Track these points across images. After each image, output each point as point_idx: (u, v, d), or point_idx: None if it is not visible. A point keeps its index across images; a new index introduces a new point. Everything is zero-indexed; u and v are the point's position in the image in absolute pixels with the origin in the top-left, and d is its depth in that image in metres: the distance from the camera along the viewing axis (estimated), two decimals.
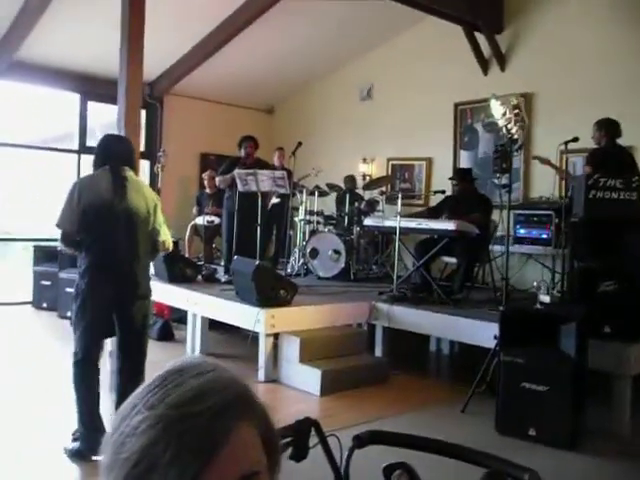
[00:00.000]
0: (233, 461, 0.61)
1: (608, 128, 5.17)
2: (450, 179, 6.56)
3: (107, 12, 6.25)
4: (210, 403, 0.61)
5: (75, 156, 8.61)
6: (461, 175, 6.43)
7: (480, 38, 7.63)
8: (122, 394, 3.25)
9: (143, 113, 8.86)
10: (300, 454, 1.33)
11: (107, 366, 4.23)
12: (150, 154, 8.83)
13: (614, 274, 4.19)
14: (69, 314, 6.94)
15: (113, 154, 3.42)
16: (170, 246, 3.71)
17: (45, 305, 7.76)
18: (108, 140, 3.56)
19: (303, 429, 1.33)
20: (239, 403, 0.64)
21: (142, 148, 8.63)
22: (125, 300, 3.38)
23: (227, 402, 0.63)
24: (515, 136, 4.97)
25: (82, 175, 8.29)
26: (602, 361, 4.04)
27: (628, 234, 4.28)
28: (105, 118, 8.83)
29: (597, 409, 4.09)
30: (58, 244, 3.51)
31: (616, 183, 4.29)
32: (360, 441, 1.46)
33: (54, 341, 6.23)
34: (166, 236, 3.59)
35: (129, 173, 3.42)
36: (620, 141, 5.28)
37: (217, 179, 6.97)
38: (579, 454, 3.68)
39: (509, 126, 4.86)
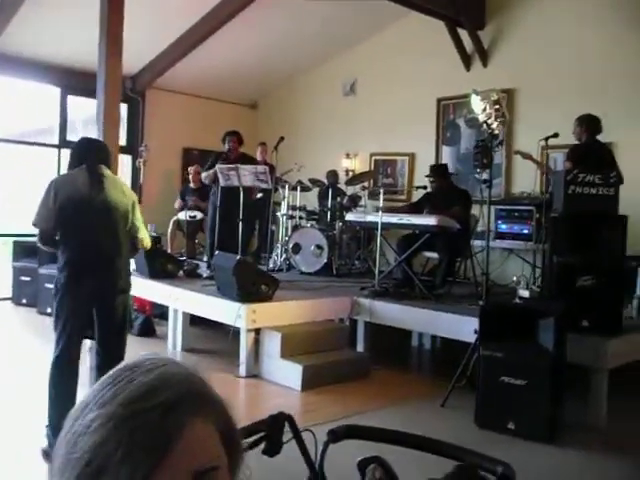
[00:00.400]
0: (187, 457, 0.59)
1: (589, 124, 5.22)
2: (427, 176, 6.57)
3: (87, 4, 6.17)
4: (162, 398, 0.60)
5: (55, 150, 8.51)
6: (436, 171, 6.44)
7: (463, 34, 7.65)
8: None
9: (125, 107, 8.79)
10: (273, 449, 1.33)
11: (87, 362, 4.19)
12: (132, 149, 8.76)
13: (592, 269, 4.24)
14: (49, 310, 6.92)
15: (88, 154, 3.43)
16: (148, 245, 3.71)
17: (25, 301, 7.68)
18: (84, 142, 3.57)
19: (276, 424, 1.33)
20: (193, 398, 0.63)
21: (123, 142, 8.56)
22: (106, 294, 3.37)
23: (180, 397, 0.61)
24: (496, 131, 4.99)
25: (61, 170, 8.29)
26: (580, 355, 4.08)
27: (606, 229, 4.32)
28: (86, 112, 8.74)
29: (575, 402, 4.14)
30: (36, 243, 3.47)
31: (595, 179, 4.33)
32: (335, 436, 1.45)
33: (33, 338, 6.17)
34: (144, 234, 3.59)
35: (106, 171, 3.42)
36: (600, 137, 5.33)
37: (202, 175, 6.95)
38: (557, 447, 3.72)
39: (489, 121, 4.87)
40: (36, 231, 3.36)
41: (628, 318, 4.57)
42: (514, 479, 1.28)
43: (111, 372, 0.65)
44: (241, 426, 1.32)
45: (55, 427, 3.23)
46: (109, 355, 3.40)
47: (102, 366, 3.40)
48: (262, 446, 1.33)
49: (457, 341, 4.88)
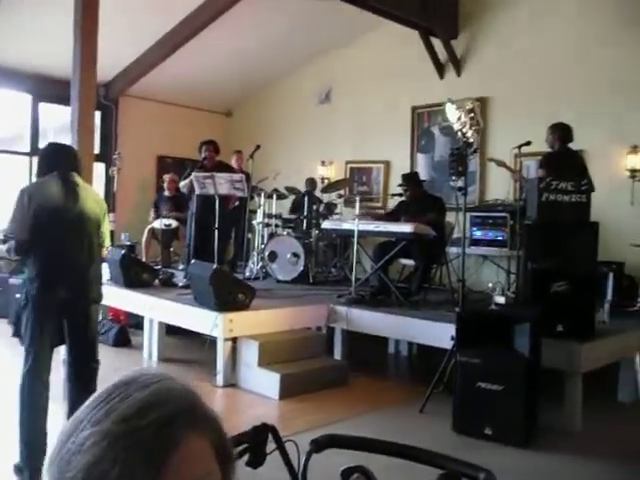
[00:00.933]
0: (183, 472, 0.60)
1: (561, 132, 5.31)
2: (399, 185, 6.61)
3: (60, 11, 6.11)
4: (156, 415, 0.60)
5: (27, 158, 8.39)
6: (408, 180, 6.47)
7: (436, 43, 7.75)
8: (75, 403, 3.17)
9: (98, 115, 8.69)
10: (257, 460, 1.32)
11: (60, 374, 4.12)
12: (105, 157, 8.67)
13: (565, 275, 4.30)
14: None
15: (59, 161, 3.36)
16: (104, 253, 3.70)
17: None
18: (52, 148, 3.49)
19: (260, 435, 1.32)
20: (187, 414, 0.62)
21: (97, 151, 8.47)
22: (78, 306, 3.32)
23: (174, 413, 0.61)
24: (470, 140, 5.04)
25: (33, 179, 8.15)
26: (555, 359, 4.13)
27: (578, 236, 4.39)
28: (58, 119, 8.63)
29: (550, 406, 4.19)
30: (7, 254, 3.38)
31: (567, 186, 4.40)
32: (317, 445, 1.45)
33: (4, 349, 6.04)
34: (108, 243, 3.59)
35: (78, 179, 3.37)
36: (572, 145, 5.43)
37: (180, 184, 6.92)
38: (533, 451, 3.76)
39: (464, 130, 4.93)
40: (9, 243, 3.27)
41: (600, 322, 4.64)
42: None
43: (105, 388, 0.64)
44: (229, 422, 1.32)
45: (27, 442, 3.15)
46: (82, 367, 3.35)
47: (75, 378, 3.35)
48: (246, 458, 1.33)
49: (434, 348, 4.91)
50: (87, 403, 0.63)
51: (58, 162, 3.35)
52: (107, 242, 3.54)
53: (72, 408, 3.14)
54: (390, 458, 1.47)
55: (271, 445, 1.36)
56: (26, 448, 3.13)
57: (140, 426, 0.59)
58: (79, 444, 0.59)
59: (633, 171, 6.33)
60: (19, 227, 3.20)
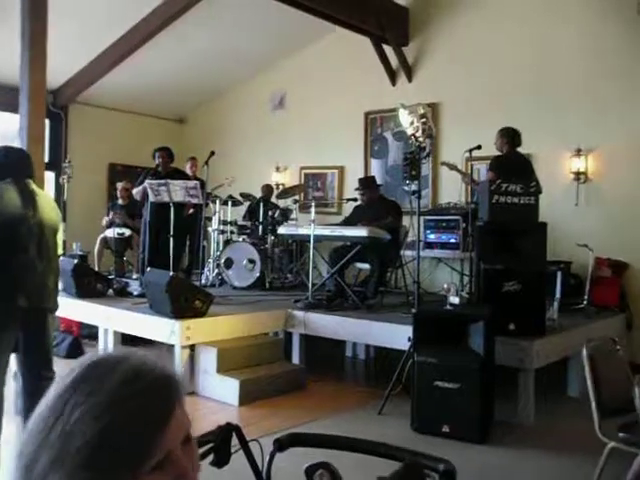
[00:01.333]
0: (182, 421, 0.71)
1: (510, 136, 5.48)
2: (356, 189, 6.70)
3: (7, 15, 5.97)
4: (153, 376, 0.69)
5: None
6: (365, 184, 6.56)
7: (388, 50, 7.87)
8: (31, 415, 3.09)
9: (47, 122, 8.51)
10: (222, 460, 1.33)
11: (11, 388, 4.02)
12: (55, 165, 8.48)
13: (516, 275, 4.43)
14: None
15: (12, 167, 3.27)
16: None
17: None
18: (4, 153, 3.37)
19: (224, 434, 1.34)
20: (173, 374, 0.72)
21: (46, 159, 8.28)
22: (37, 314, 3.24)
23: (166, 374, 0.71)
24: (423, 144, 5.15)
25: None
26: (508, 357, 4.26)
27: (528, 236, 4.53)
28: (5, 127, 8.40)
29: (504, 402, 4.31)
30: None
31: (517, 188, 4.54)
32: (280, 444, 1.47)
33: None
34: (60, 251, 3.52)
35: (35, 187, 3.30)
36: (520, 149, 5.60)
37: (133, 191, 6.82)
38: (490, 446, 3.86)
39: (417, 134, 5.03)
40: None
41: (550, 320, 4.79)
42: (455, 474, 1.34)
43: (75, 373, 0.68)
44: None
45: None
46: (37, 378, 3.28)
47: (30, 390, 3.27)
48: (210, 457, 1.34)
49: (391, 350, 4.98)
50: (59, 390, 0.67)
51: (12, 168, 3.25)
52: (59, 250, 3.48)
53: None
54: (353, 455, 1.50)
55: (236, 446, 1.37)
56: None
57: (139, 389, 0.66)
58: (78, 418, 0.63)
59: (577, 174, 6.56)
60: None
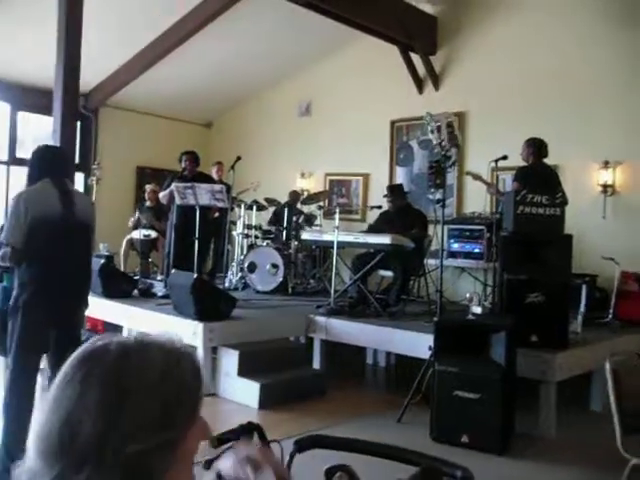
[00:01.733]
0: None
1: (536, 147, 5.44)
2: (384, 196, 6.72)
3: (41, 20, 6.12)
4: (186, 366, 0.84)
5: (4, 167, 8.33)
6: (393, 191, 6.59)
7: (415, 58, 7.88)
8: None
9: (77, 125, 8.67)
10: None
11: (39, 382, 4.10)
12: (84, 167, 8.64)
13: (540, 286, 4.40)
14: None
15: (51, 166, 3.31)
16: None
17: None
18: (43, 152, 3.41)
19: (246, 433, 1.36)
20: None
21: (76, 161, 8.44)
22: (69, 314, 3.31)
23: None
24: (448, 153, 5.15)
25: (10, 187, 8.10)
26: (530, 369, 4.23)
27: (553, 248, 4.50)
28: (36, 129, 8.59)
29: (525, 414, 4.27)
30: (0, 260, 3.29)
31: (542, 199, 4.52)
32: (301, 446, 1.50)
33: None
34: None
35: (71, 186, 3.38)
36: (547, 160, 5.56)
37: (160, 194, 6.91)
38: (510, 458, 3.83)
39: (443, 143, 5.03)
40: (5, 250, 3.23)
41: (573, 333, 4.74)
42: None
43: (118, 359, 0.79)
44: (210, 432, 1.36)
45: (7, 445, 3.13)
46: None
47: None
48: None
49: (411, 358, 4.97)
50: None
51: (52, 168, 3.30)
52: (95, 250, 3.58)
53: None
54: (371, 459, 1.52)
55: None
56: (7, 452, 3.12)
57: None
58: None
59: (605, 186, 6.50)
60: (16, 234, 3.16)
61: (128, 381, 0.76)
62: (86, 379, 0.76)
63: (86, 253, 3.36)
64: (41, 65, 6.03)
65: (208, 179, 6.96)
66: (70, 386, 0.77)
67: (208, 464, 1.32)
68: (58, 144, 4.53)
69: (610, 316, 5.59)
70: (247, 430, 1.34)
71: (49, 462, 0.74)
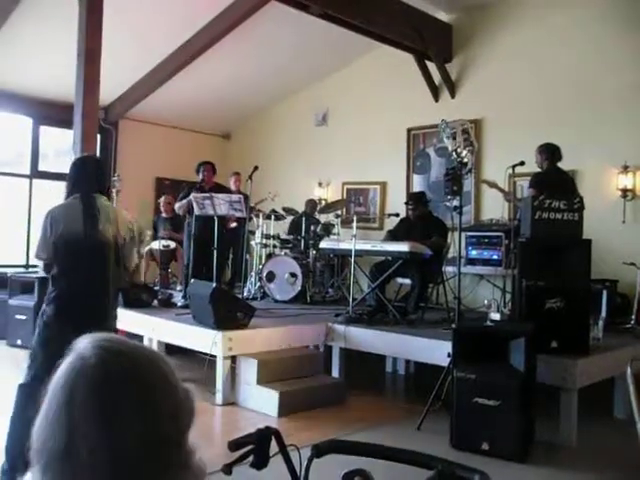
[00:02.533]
0: None
1: (549, 152, 5.42)
2: (405, 203, 6.73)
3: (61, 35, 6.24)
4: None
5: (27, 181, 8.48)
6: (416, 199, 6.60)
7: (431, 66, 7.90)
8: None
9: (98, 137, 8.81)
10: (260, 462, 1.38)
11: None
12: None
13: (559, 292, 4.37)
14: (19, 342, 6.81)
15: (82, 181, 3.34)
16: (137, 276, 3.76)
17: None
18: (77, 165, 3.46)
19: (264, 438, 1.38)
20: None
21: None
22: (91, 330, 3.33)
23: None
24: (465, 160, 5.15)
25: (33, 201, 8.24)
26: (550, 375, 4.20)
27: (571, 253, 4.47)
28: (58, 142, 8.74)
29: (546, 421, 4.24)
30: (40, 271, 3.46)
31: (560, 204, 4.50)
32: (319, 450, 1.51)
33: (3, 370, 6.06)
34: (133, 265, 3.57)
35: (100, 200, 3.34)
36: (563, 165, 5.54)
37: (176, 205, 6.98)
38: (530, 466, 3.80)
39: (459, 150, 5.04)
40: (39, 263, 3.38)
41: (594, 339, 4.70)
42: None
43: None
44: (230, 439, 1.38)
45: (10, 453, 3.17)
46: None
47: None
48: (250, 459, 1.39)
49: (430, 365, 4.95)
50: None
51: (83, 182, 3.33)
52: (132, 263, 3.51)
53: None
54: (389, 465, 1.53)
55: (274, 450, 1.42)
56: (8, 456, 3.18)
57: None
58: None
59: (625, 190, 6.44)
60: (43, 249, 3.26)
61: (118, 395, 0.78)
62: (68, 401, 0.79)
63: (107, 272, 3.32)
64: (62, 80, 6.14)
65: (225, 190, 7.01)
66: (58, 416, 0.79)
67: (227, 468, 1.35)
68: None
69: (632, 322, 5.53)
70: (265, 435, 1.37)
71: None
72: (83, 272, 3.26)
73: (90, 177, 3.38)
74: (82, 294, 3.26)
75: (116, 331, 3.54)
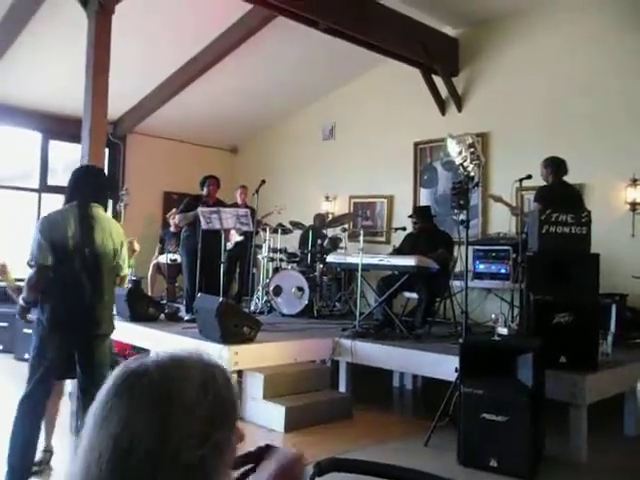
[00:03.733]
0: None
1: (554, 166, 5.38)
2: (409, 216, 6.71)
3: (69, 51, 6.31)
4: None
5: (36, 195, 8.54)
6: (420, 213, 6.59)
7: (437, 80, 7.92)
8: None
9: (106, 152, 8.86)
10: None
11: (68, 407, 4.16)
12: (113, 193, 8.80)
13: (568, 306, 4.33)
14: (27, 356, 6.81)
15: (81, 189, 3.35)
16: (124, 285, 3.78)
17: (1, 347, 7.56)
18: (78, 173, 3.47)
19: (264, 456, 1.36)
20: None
21: None
22: (86, 341, 3.33)
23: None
24: (472, 174, 5.14)
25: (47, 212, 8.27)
26: (559, 391, 4.14)
27: (579, 267, 4.43)
28: (67, 157, 8.80)
29: (555, 437, 4.18)
30: (26, 284, 3.34)
31: (567, 218, 4.47)
32: (321, 469, 1.49)
33: (9, 385, 6.05)
34: (125, 273, 3.59)
35: (96, 210, 3.35)
36: (571, 178, 5.50)
37: (177, 217, 6.97)
38: None
39: (465, 164, 5.03)
40: (31, 271, 3.29)
41: (604, 354, 4.65)
42: None
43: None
44: None
45: (11, 465, 3.16)
46: (90, 400, 3.34)
47: (83, 412, 3.36)
48: (250, 479, 1.37)
49: (438, 380, 4.91)
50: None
51: (79, 191, 3.34)
52: (124, 271, 3.53)
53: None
54: None
55: None
56: (10, 468, 3.17)
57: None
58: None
59: (633, 204, 6.40)
60: (41, 253, 3.22)
61: (171, 397, 0.82)
62: (130, 400, 0.82)
63: (102, 284, 3.31)
64: (71, 95, 6.19)
65: (226, 206, 7.01)
66: (113, 414, 0.82)
67: None
68: None
69: None
70: (265, 452, 1.35)
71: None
72: (77, 280, 3.23)
73: (89, 186, 3.38)
74: (74, 304, 3.23)
75: (112, 342, 3.54)
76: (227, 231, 6.62)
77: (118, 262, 3.45)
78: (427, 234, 6.37)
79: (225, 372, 0.94)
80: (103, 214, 3.44)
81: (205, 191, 6.78)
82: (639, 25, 6.47)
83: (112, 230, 3.43)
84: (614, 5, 6.61)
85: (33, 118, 8.27)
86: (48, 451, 3.80)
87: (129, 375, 0.86)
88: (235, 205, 7.22)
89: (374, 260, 6.04)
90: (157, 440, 0.79)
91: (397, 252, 6.47)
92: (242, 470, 1.35)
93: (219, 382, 0.90)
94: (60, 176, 8.86)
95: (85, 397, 3.38)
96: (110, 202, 8.77)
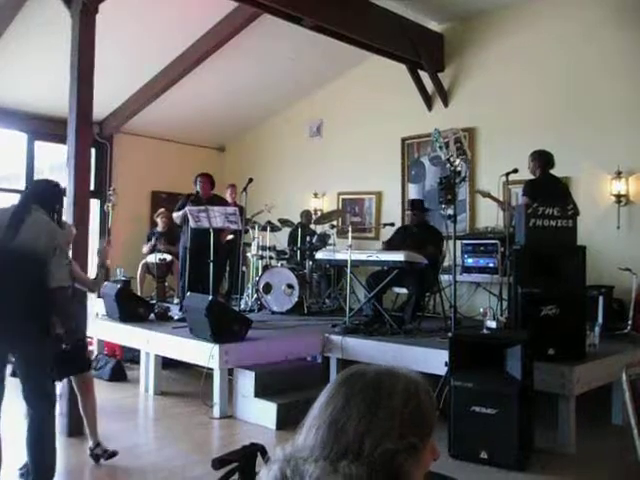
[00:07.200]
0: None
1: (542, 159, 5.42)
2: (407, 209, 6.73)
3: (54, 51, 6.26)
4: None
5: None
6: (417, 205, 6.64)
7: (424, 76, 7.93)
8: (29, 441, 3.11)
9: (92, 152, 8.82)
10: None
11: (58, 409, 4.15)
12: (100, 193, 8.77)
13: (555, 299, 4.36)
14: None
15: (28, 192, 3.38)
16: (93, 290, 3.88)
17: None
18: (34, 182, 3.56)
19: (249, 454, 1.37)
20: None
21: (92, 187, 8.57)
22: (18, 345, 3.16)
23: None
24: (458, 168, 5.16)
25: None
26: (547, 382, 4.18)
27: (566, 260, 4.47)
28: (53, 157, 8.75)
29: (544, 429, 4.22)
30: None
31: (553, 211, 4.50)
32: None
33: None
34: (55, 285, 3.26)
35: (37, 213, 3.20)
36: (557, 172, 5.54)
37: (174, 215, 7.00)
38: (529, 474, 3.77)
39: (452, 159, 5.05)
40: None
41: (591, 345, 4.69)
42: None
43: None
44: (213, 457, 1.37)
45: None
46: (32, 404, 3.18)
47: (28, 418, 3.23)
48: (235, 477, 1.37)
49: (428, 374, 4.92)
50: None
51: (24, 195, 3.36)
52: (54, 282, 3.23)
53: (30, 445, 3.10)
54: None
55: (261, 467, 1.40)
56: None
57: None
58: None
59: (618, 196, 6.45)
60: None
61: (380, 396, 1.00)
62: (349, 393, 1.01)
63: (26, 279, 3.11)
64: (56, 95, 6.14)
65: (222, 201, 7.03)
66: (336, 398, 1.02)
67: None
68: (72, 171, 4.59)
69: (629, 327, 5.52)
70: (250, 452, 1.35)
71: (321, 445, 0.98)
72: (2, 283, 3.07)
73: (36, 192, 3.37)
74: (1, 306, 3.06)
75: (64, 350, 3.42)
76: (222, 231, 6.62)
77: (49, 268, 3.18)
78: (419, 228, 6.41)
79: (427, 387, 1.06)
80: (42, 217, 3.24)
81: (196, 189, 6.81)
82: (625, 21, 6.50)
83: (41, 233, 3.19)
84: (600, 0, 6.64)
85: (18, 119, 8.21)
86: (97, 445, 3.86)
87: (353, 374, 1.06)
88: (226, 203, 7.21)
89: (363, 256, 6.05)
90: (362, 429, 0.96)
91: (388, 244, 6.49)
92: (226, 469, 1.36)
93: (421, 395, 1.03)
94: (47, 177, 8.80)
95: (27, 402, 3.23)
96: (97, 202, 8.76)
